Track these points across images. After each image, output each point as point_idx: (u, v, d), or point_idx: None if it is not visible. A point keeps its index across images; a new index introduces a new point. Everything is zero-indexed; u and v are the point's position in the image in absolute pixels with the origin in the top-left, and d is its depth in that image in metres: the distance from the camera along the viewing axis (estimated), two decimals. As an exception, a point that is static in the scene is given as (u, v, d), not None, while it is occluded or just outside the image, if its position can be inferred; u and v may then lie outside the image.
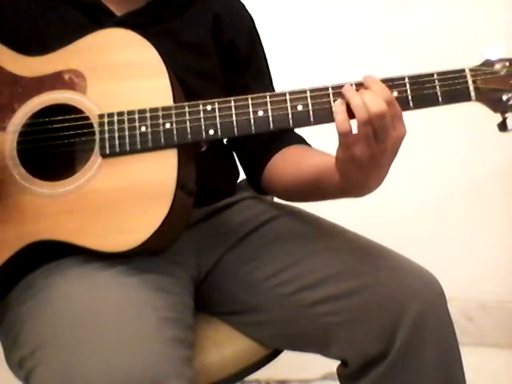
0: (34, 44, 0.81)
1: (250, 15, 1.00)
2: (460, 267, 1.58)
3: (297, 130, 0.95)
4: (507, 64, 0.72)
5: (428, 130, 1.58)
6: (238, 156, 0.99)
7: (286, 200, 0.95)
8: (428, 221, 1.63)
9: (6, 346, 0.78)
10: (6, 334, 0.78)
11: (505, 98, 0.71)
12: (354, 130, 0.69)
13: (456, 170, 1.61)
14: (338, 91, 0.72)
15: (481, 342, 1.62)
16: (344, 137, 0.69)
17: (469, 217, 1.63)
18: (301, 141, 0.95)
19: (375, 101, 0.68)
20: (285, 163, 0.91)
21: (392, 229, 1.43)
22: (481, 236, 1.64)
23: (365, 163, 0.70)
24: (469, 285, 1.61)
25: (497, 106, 0.72)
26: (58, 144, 0.77)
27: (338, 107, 0.70)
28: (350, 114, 0.69)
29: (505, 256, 1.64)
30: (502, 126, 0.72)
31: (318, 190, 0.83)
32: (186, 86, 0.80)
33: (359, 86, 0.71)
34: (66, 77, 0.77)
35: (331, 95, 0.73)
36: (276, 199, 0.99)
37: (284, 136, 0.93)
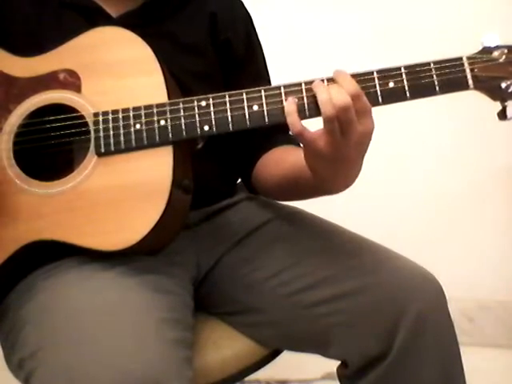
0: (30, 46, 0.81)
1: (247, 14, 0.99)
2: (460, 267, 1.58)
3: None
4: (506, 51, 0.71)
5: (428, 129, 1.59)
6: (233, 157, 0.99)
7: (273, 199, 0.96)
8: (428, 221, 1.63)
9: (5, 348, 0.78)
10: (5, 336, 0.78)
11: (504, 85, 0.70)
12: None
13: (456, 170, 1.61)
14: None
15: (481, 342, 1.62)
16: (299, 136, 0.70)
17: (468, 217, 1.63)
18: (292, 142, 0.94)
19: (340, 94, 0.68)
20: (269, 163, 0.92)
21: (392, 229, 1.45)
22: (481, 236, 1.64)
23: (330, 157, 0.70)
24: (469, 285, 1.61)
25: (496, 94, 0.71)
26: (53, 144, 0.77)
27: (290, 107, 0.70)
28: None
29: (505, 256, 1.64)
30: (502, 115, 0.71)
31: (296, 187, 0.84)
32: (183, 87, 0.80)
33: (330, 81, 0.71)
34: (61, 76, 0.77)
35: (326, 88, 0.72)
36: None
37: (274, 137, 0.93)
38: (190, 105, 0.74)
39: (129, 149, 0.74)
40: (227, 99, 0.73)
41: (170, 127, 0.73)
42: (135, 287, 0.73)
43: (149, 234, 0.71)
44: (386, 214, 1.59)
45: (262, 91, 0.73)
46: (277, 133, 0.93)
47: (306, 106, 0.71)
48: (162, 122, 0.74)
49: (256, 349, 0.86)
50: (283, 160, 0.88)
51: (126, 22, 0.85)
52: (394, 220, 1.60)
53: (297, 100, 0.71)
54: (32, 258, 0.77)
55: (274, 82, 0.97)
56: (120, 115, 0.74)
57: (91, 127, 0.75)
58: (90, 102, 0.76)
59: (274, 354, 0.89)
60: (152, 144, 0.74)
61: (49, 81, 0.77)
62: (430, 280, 0.81)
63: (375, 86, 0.71)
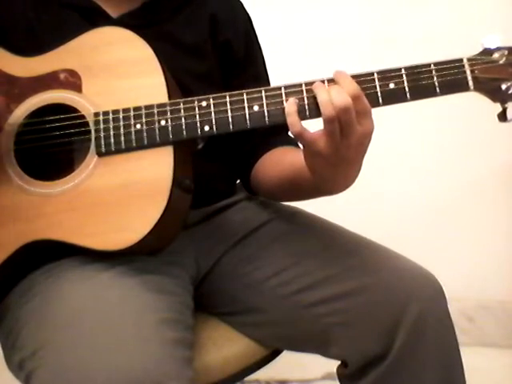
0: (30, 46, 0.81)
1: (247, 15, 0.99)
2: (460, 267, 1.59)
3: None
4: (506, 53, 0.71)
5: (428, 128, 1.59)
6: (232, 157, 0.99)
7: (272, 200, 0.96)
8: (428, 220, 1.64)
9: (6, 348, 0.78)
10: (6, 335, 0.78)
11: (504, 87, 0.70)
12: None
13: (456, 170, 1.61)
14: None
15: (481, 342, 1.62)
16: (299, 137, 0.70)
17: (468, 216, 1.63)
18: (291, 143, 0.94)
19: (340, 95, 0.68)
20: (268, 163, 0.92)
21: (392, 229, 1.44)
22: (481, 236, 1.64)
23: (329, 158, 0.70)
24: (469, 285, 1.61)
25: (496, 95, 0.71)
26: (54, 143, 0.77)
27: (290, 108, 0.70)
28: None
29: (505, 256, 1.64)
30: (502, 116, 0.71)
31: (295, 188, 0.84)
32: (183, 88, 0.80)
33: (331, 81, 0.71)
34: (62, 76, 0.77)
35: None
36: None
37: (273, 138, 0.94)
38: (191, 105, 0.74)
39: (129, 149, 0.74)
40: (228, 99, 0.73)
41: (170, 127, 0.74)
42: (135, 287, 0.73)
43: (149, 234, 0.71)
44: (386, 214, 1.59)
45: (263, 92, 0.73)
46: (276, 134, 0.93)
47: (306, 106, 0.71)
48: (163, 122, 0.74)
49: (256, 349, 0.87)
50: (282, 161, 0.88)
51: (126, 22, 0.85)
52: (394, 220, 1.60)
53: (297, 101, 0.71)
54: (32, 257, 0.77)
55: (274, 83, 0.97)
56: (121, 115, 0.74)
57: (92, 127, 0.75)
58: (90, 101, 0.76)
59: (273, 354, 0.89)
60: (152, 144, 0.74)
61: (49, 81, 0.77)
62: (430, 279, 0.82)
63: (375, 87, 0.71)
